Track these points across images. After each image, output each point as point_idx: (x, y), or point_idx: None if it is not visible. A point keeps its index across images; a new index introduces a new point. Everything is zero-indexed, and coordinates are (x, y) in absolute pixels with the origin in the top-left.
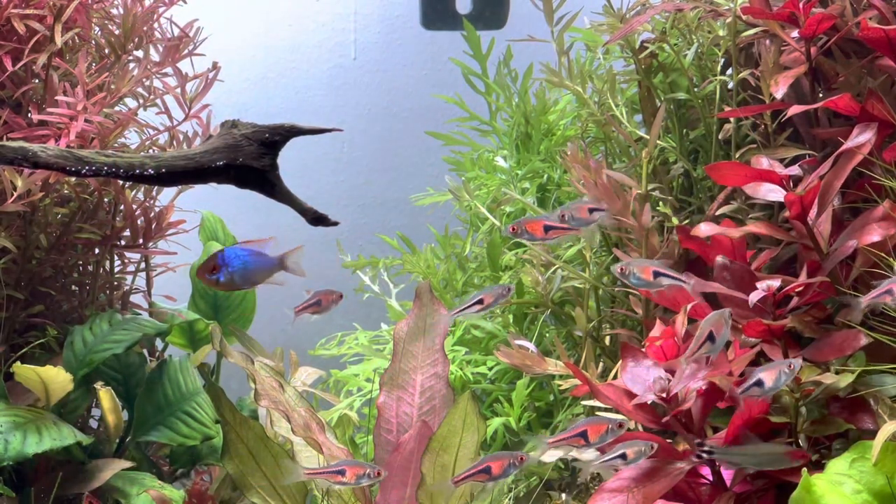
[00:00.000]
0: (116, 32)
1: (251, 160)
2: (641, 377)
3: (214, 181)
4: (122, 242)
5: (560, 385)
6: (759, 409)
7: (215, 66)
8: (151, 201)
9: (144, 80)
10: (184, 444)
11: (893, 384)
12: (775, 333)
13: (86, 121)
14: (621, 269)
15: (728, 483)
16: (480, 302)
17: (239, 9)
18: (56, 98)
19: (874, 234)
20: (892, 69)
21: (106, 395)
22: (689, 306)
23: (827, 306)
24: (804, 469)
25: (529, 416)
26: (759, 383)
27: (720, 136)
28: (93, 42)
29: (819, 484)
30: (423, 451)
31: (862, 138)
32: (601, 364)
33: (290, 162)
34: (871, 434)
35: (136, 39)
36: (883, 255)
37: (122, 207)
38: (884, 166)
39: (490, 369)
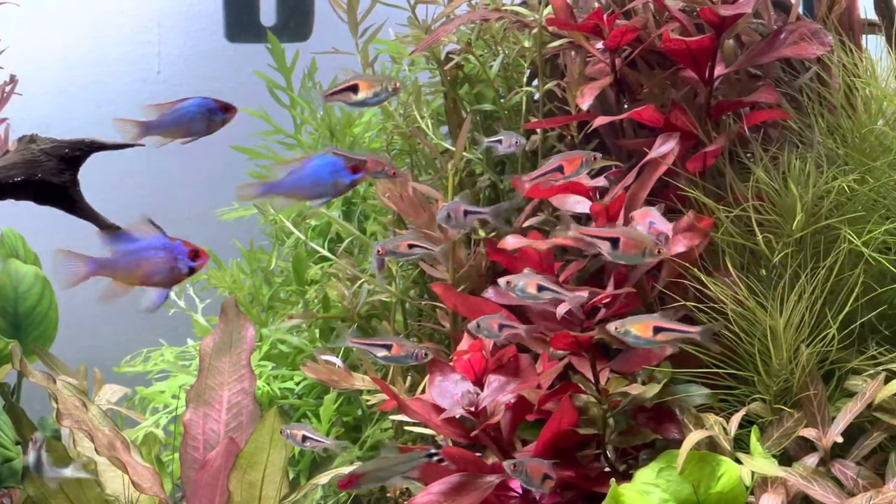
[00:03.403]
0: None
1: (50, 176)
2: (449, 391)
3: (12, 197)
4: None
5: (368, 400)
6: (567, 422)
7: (13, 79)
8: None
9: None
10: None
11: (698, 393)
12: (583, 345)
13: None
14: None
15: (537, 496)
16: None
17: (39, 20)
18: None
19: (679, 245)
20: (694, 80)
21: None
22: None
23: None
24: (612, 479)
25: (338, 432)
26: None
27: (527, 148)
28: None
29: (627, 494)
30: (231, 468)
31: (665, 148)
32: (409, 378)
33: (93, 177)
34: (677, 443)
35: None
36: (688, 265)
37: None
38: (687, 176)
39: (298, 384)
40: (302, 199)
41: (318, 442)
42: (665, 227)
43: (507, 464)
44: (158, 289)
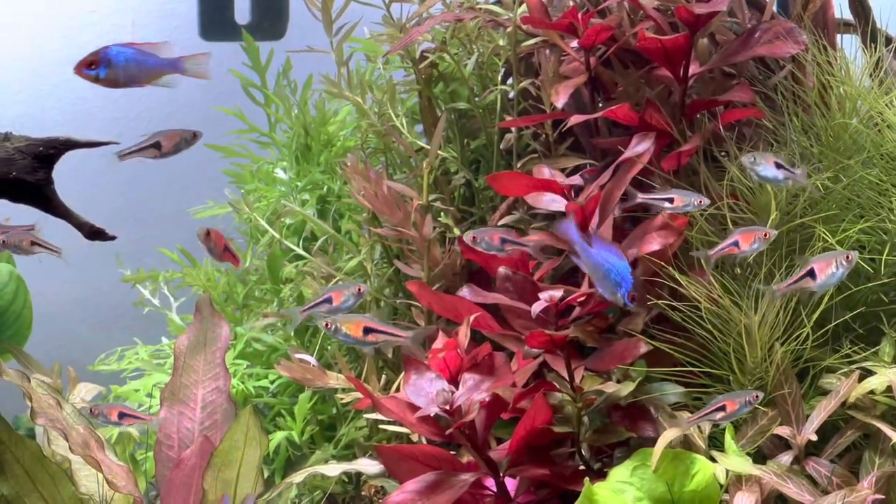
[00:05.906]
0: None
1: (25, 174)
2: (424, 389)
3: None
4: None
5: (342, 398)
6: (542, 420)
7: None
8: None
9: None
10: None
11: (672, 391)
12: (558, 344)
13: None
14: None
15: (512, 494)
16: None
17: (11, 18)
18: None
19: (654, 244)
20: (668, 79)
21: None
22: (471, 318)
23: (609, 315)
24: (586, 478)
25: (312, 430)
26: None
27: (501, 146)
28: None
29: (601, 492)
30: (205, 466)
31: (641, 147)
32: (384, 377)
33: (68, 175)
34: (652, 441)
35: None
36: (662, 263)
37: None
38: (662, 175)
39: (272, 382)
40: None
41: None
42: None
43: None
44: None
